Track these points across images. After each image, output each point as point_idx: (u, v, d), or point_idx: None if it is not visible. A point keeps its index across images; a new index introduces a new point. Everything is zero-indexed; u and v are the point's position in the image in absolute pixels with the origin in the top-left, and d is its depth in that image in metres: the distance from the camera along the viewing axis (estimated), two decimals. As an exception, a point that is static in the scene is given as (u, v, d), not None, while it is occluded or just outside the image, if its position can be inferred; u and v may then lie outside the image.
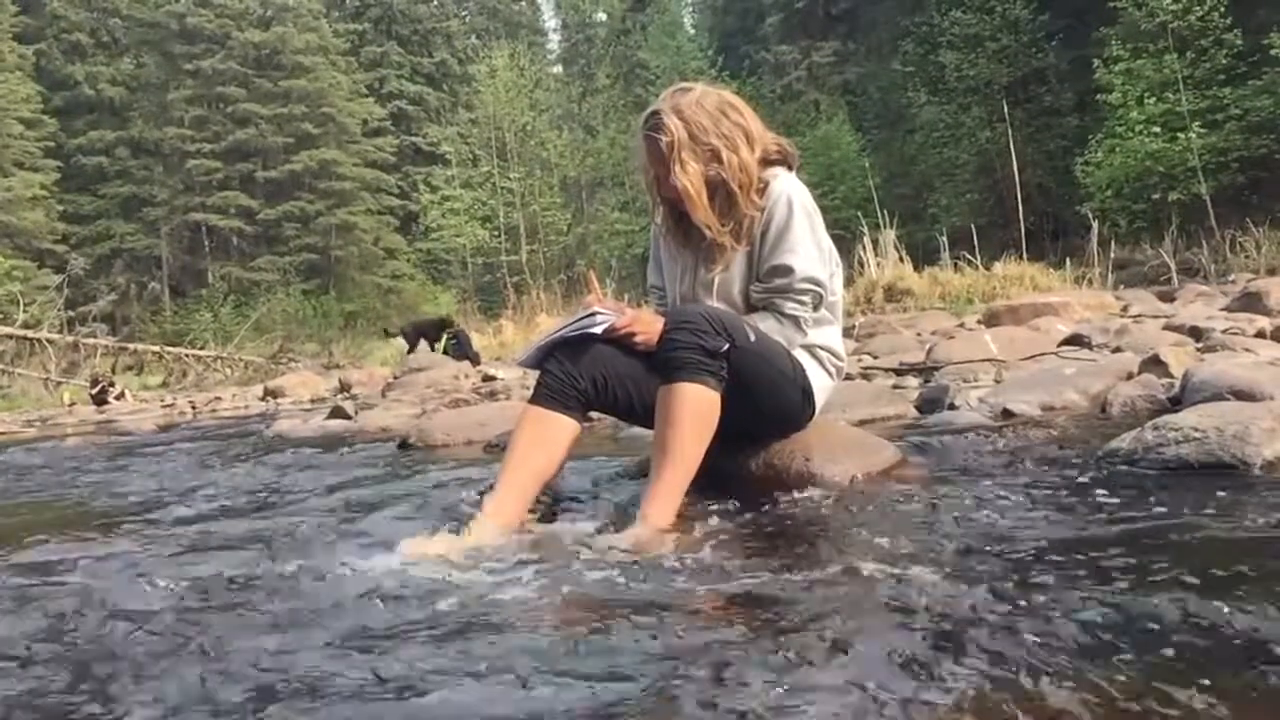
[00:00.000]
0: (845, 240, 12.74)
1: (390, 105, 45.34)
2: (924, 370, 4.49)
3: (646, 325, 2.12)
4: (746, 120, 2.22)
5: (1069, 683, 1.01)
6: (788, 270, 2.17)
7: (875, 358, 5.38)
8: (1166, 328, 4.95)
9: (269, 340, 22.17)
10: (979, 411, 3.11)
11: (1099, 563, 1.41)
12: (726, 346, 1.99)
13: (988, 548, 1.56)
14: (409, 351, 13.52)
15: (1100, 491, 1.90)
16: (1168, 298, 8.85)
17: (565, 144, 36.70)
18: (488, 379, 7.75)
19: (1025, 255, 13.47)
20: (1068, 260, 13.30)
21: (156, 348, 18.87)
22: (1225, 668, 1.03)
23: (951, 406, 3.25)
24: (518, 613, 1.42)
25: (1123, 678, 1.01)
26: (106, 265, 37.46)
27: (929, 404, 3.41)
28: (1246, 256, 13.83)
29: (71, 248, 35.36)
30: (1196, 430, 2.02)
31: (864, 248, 12.46)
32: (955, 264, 12.74)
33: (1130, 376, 3.22)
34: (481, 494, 2.16)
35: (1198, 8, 18.65)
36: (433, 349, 13.13)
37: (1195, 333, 4.54)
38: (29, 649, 1.40)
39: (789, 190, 2.19)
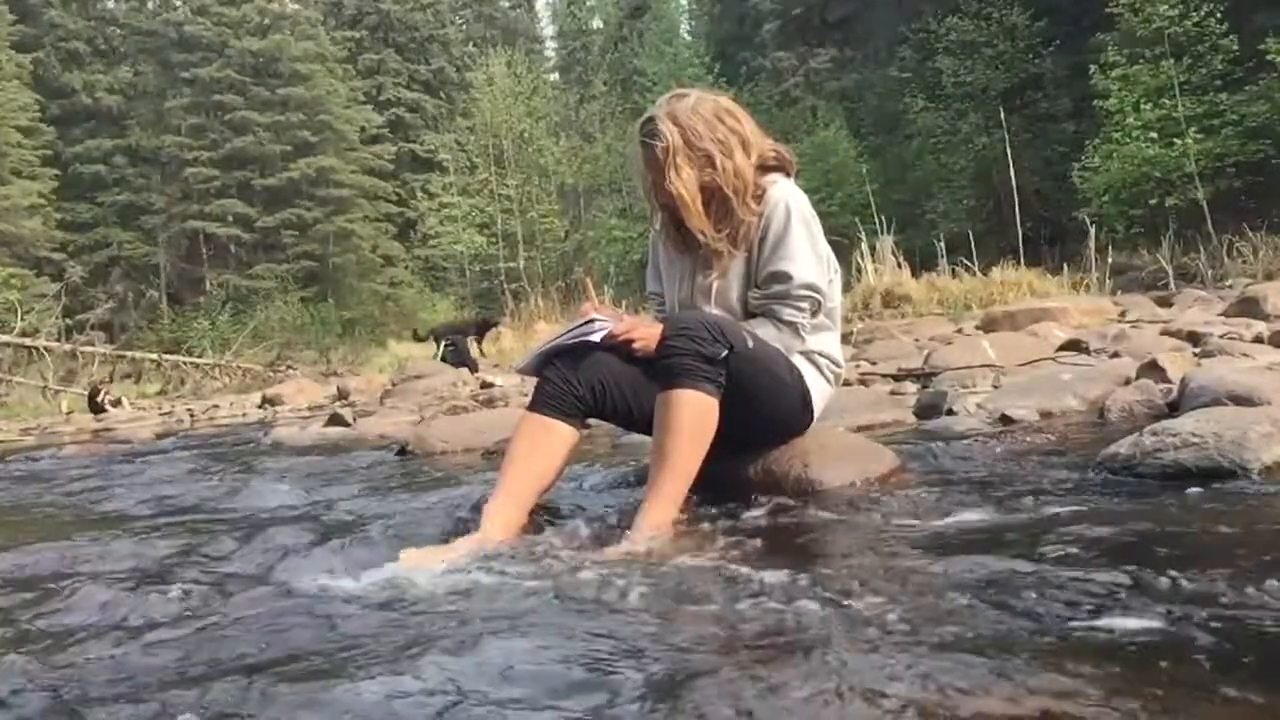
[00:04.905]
0: (843, 246, 12.72)
1: (388, 113, 45.36)
2: (922, 376, 4.50)
3: (645, 332, 2.12)
4: (743, 126, 2.22)
5: (1066, 684, 1.00)
6: (786, 277, 2.17)
7: (873, 364, 5.38)
8: (1164, 333, 4.95)
9: (267, 348, 22.13)
10: (977, 417, 3.12)
11: (1096, 568, 1.41)
12: (725, 353, 1.98)
13: (985, 554, 1.56)
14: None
15: (1098, 497, 1.90)
16: (1165, 303, 8.84)
17: (563, 151, 36.67)
18: (486, 386, 7.74)
19: (1023, 261, 13.46)
20: (1065, 266, 13.28)
21: (154, 356, 18.83)
22: (1225, 671, 1.02)
23: (950, 412, 3.25)
24: (514, 622, 1.42)
25: (1119, 682, 1.01)
26: (104, 273, 37.45)
27: (927, 410, 3.41)
28: (1244, 261, 13.82)
29: (69, 256, 35.36)
30: (1194, 435, 2.02)
31: (861, 254, 12.45)
32: (953, 270, 12.73)
33: (1128, 382, 3.22)
34: (480, 502, 2.16)
35: (1194, 14, 18.68)
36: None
37: (1193, 338, 4.54)
38: (12, 661, 1.39)
39: (787, 197, 2.19)
